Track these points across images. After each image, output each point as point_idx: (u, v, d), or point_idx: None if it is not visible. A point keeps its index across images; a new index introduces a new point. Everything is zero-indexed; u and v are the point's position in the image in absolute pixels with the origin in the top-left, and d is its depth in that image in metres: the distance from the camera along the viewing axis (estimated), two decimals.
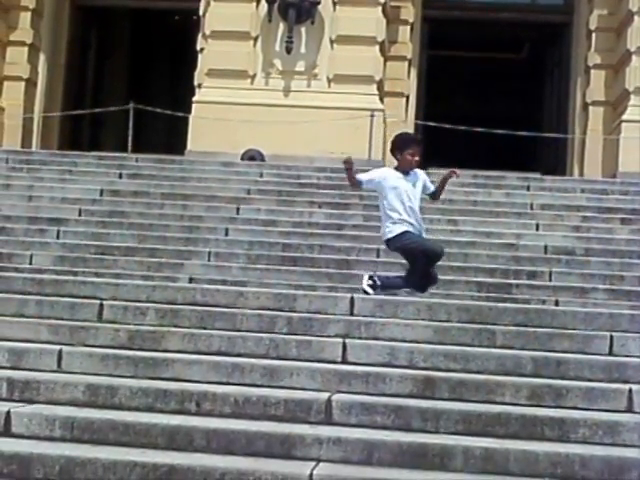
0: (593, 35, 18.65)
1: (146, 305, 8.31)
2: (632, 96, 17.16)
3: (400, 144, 9.25)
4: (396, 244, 9.14)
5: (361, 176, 9.24)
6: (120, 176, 14.07)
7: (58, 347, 7.46)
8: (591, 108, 18.61)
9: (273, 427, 6.35)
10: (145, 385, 6.87)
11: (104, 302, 8.29)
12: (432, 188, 9.39)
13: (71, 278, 9.34)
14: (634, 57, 17.20)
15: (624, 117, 17.10)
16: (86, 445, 6.20)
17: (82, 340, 7.70)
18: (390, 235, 9.13)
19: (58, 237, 11.50)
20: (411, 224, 9.07)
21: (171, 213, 12.47)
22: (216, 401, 6.69)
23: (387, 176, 9.17)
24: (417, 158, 9.17)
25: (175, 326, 7.98)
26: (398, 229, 9.06)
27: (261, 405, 6.63)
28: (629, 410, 6.85)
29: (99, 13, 20.66)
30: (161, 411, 6.65)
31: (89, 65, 20.77)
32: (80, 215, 12.34)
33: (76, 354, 7.39)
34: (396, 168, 9.23)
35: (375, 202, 12.98)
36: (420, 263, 8.99)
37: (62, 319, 8.07)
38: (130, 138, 16.98)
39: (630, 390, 6.92)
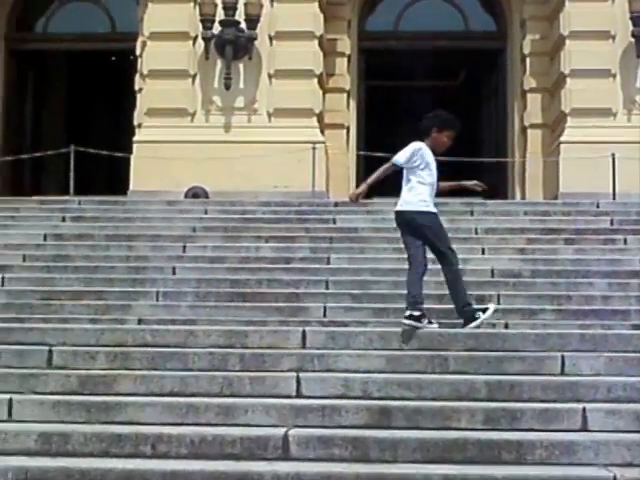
0: (527, 60, 18.92)
1: (96, 349, 8.21)
2: (569, 118, 17.41)
3: (444, 122, 8.88)
4: (423, 221, 8.72)
5: (397, 157, 8.78)
6: (63, 219, 13.96)
7: (8, 396, 7.34)
8: (529, 131, 18.86)
9: (231, 466, 6.30)
10: (99, 430, 6.79)
11: (53, 348, 8.19)
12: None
13: (18, 325, 9.19)
14: (569, 80, 17.46)
15: (562, 138, 17.34)
16: None
17: (32, 387, 7.60)
18: (426, 209, 8.72)
19: (3, 284, 11.33)
20: (433, 205, 8.77)
21: (116, 254, 12.37)
22: (172, 442, 6.62)
23: (424, 150, 8.76)
24: (449, 144, 8.91)
25: (126, 369, 7.90)
26: (425, 206, 8.71)
27: (217, 444, 6.58)
28: (584, 429, 6.90)
29: (35, 57, 20.52)
30: (116, 456, 6.57)
31: (27, 109, 20.60)
32: (24, 261, 12.19)
33: (27, 402, 7.29)
34: (425, 142, 8.83)
35: (321, 234, 13.10)
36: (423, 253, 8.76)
37: (11, 367, 7.95)
38: (72, 181, 16.86)
39: (584, 409, 6.98)
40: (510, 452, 6.48)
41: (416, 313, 8.56)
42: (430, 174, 8.86)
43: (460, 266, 9.13)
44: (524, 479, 6.10)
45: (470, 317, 8.72)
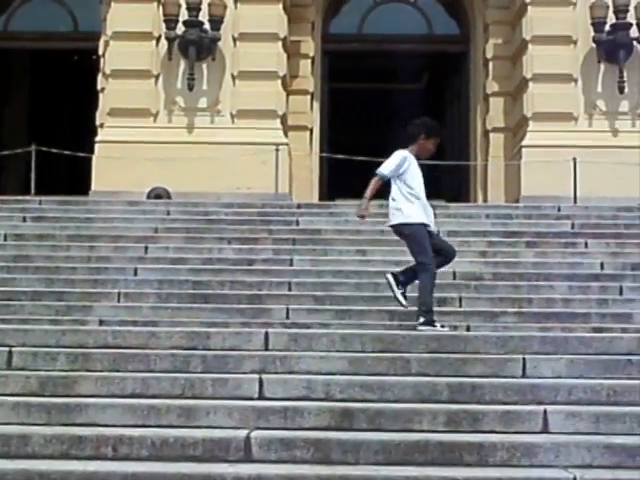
0: (490, 63, 19.04)
1: (56, 350, 8.13)
2: (531, 122, 17.54)
3: (431, 130, 9.10)
4: (413, 231, 8.98)
5: (382, 170, 9.01)
6: (24, 219, 13.84)
7: None
8: (491, 135, 18.97)
9: (192, 468, 6.27)
10: (59, 432, 6.72)
11: (13, 349, 8.09)
12: None
13: None
14: (531, 84, 17.59)
15: (524, 142, 17.46)
16: None
17: None
18: (408, 220, 8.96)
19: None
20: (423, 214, 8.99)
21: (78, 255, 12.29)
22: (133, 444, 6.57)
23: (409, 158, 8.99)
24: (434, 151, 9.14)
25: (87, 370, 7.83)
26: (417, 217, 8.95)
27: (179, 446, 6.54)
28: (545, 431, 6.93)
29: None
30: (76, 457, 6.50)
31: None
32: None
33: None
34: (409, 149, 9.07)
35: (283, 236, 13.10)
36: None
37: None
38: (33, 181, 16.73)
39: (545, 411, 7.01)
40: (472, 454, 6.50)
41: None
42: (416, 182, 9.04)
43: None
44: None
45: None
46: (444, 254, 9.25)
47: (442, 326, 9.00)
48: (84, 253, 12.37)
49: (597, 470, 6.36)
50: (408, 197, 9.02)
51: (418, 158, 9.15)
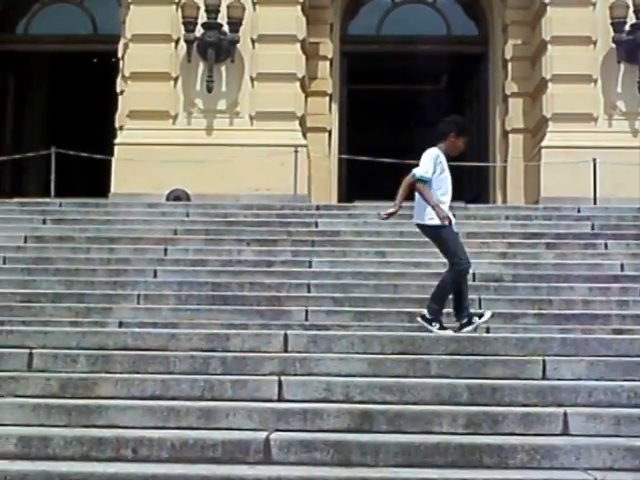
0: (509, 64, 18.98)
1: (76, 352, 8.16)
2: (550, 123, 17.48)
3: (462, 128, 9.17)
4: (440, 232, 9.02)
5: (424, 174, 8.93)
6: (44, 222, 13.90)
7: None
8: (511, 136, 18.92)
9: (212, 470, 6.28)
10: (79, 434, 6.74)
11: (33, 351, 8.13)
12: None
13: None
14: (550, 85, 17.53)
15: (543, 143, 17.39)
16: None
17: (12, 391, 7.54)
18: (434, 222, 8.98)
19: None
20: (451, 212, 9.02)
21: (97, 257, 12.33)
22: (153, 446, 6.59)
23: (441, 157, 9.03)
24: (463, 149, 9.20)
25: (107, 372, 7.86)
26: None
27: (199, 448, 6.55)
28: (565, 433, 6.91)
29: (16, 58, 20.44)
30: (97, 459, 6.53)
31: (8, 111, 20.51)
32: (4, 263, 12.13)
33: (7, 405, 7.23)
34: (438, 146, 9.09)
35: (302, 237, 13.09)
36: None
37: None
38: (53, 183, 16.79)
39: (565, 413, 6.99)
40: (492, 456, 6.48)
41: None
42: (446, 177, 9.07)
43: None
44: None
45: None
46: None
47: (444, 328, 8.94)
48: (104, 255, 12.40)
49: (618, 473, 6.34)
50: (441, 196, 9.02)
51: (448, 156, 9.17)
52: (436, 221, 8.98)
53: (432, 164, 8.99)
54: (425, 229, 9.21)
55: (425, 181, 8.97)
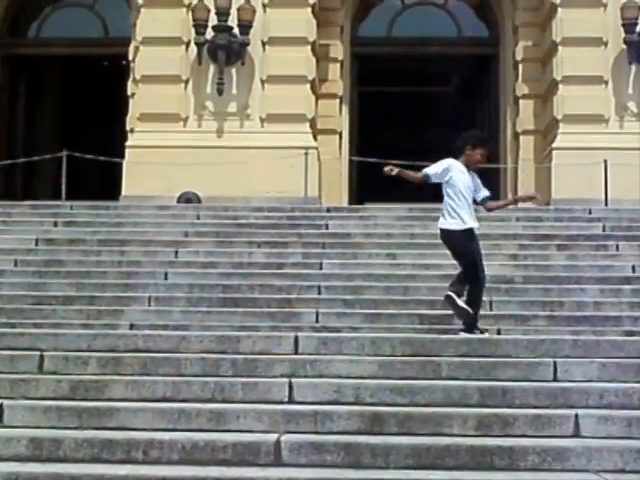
0: (520, 66, 18.97)
1: (87, 354, 8.19)
2: (561, 124, 17.45)
3: (477, 140, 9.36)
4: (453, 240, 9.22)
5: (428, 170, 9.22)
6: (55, 224, 13.93)
7: None
8: (521, 137, 18.90)
9: (223, 472, 6.28)
10: (90, 436, 6.75)
11: (44, 353, 8.15)
12: (484, 194, 9.39)
13: (9, 330, 9.17)
14: (561, 86, 17.51)
15: (554, 145, 17.37)
16: None
17: (23, 393, 7.55)
18: (449, 227, 9.19)
19: None
20: (469, 219, 9.14)
21: (108, 259, 12.35)
22: (163, 448, 6.59)
23: (454, 167, 9.18)
24: (483, 160, 9.31)
25: (118, 374, 7.87)
26: (456, 224, 9.15)
27: (209, 450, 6.56)
28: (576, 435, 6.89)
29: (27, 62, 20.50)
30: (108, 461, 6.54)
31: (19, 114, 20.57)
32: (16, 265, 12.16)
33: (17, 407, 7.25)
34: (459, 160, 9.26)
35: (313, 239, 13.10)
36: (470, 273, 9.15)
37: (1, 372, 7.91)
38: (64, 186, 16.83)
39: (576, 415, 6.97)
40: (502, 458, 6.47)
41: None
42: (461, 187, 9.14)
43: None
44: None
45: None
46: None
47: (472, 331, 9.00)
48: (115, 258, 12.42)
49: (630, 475, 6.32)
50: (453, 204, 9.16)
51: (469, 168, 9.29)
52: (448, 225, 9.15)
53: (440, 169, 9.21)
54: (442, 234, 9.36)
55: (424, 175, 9.24)
